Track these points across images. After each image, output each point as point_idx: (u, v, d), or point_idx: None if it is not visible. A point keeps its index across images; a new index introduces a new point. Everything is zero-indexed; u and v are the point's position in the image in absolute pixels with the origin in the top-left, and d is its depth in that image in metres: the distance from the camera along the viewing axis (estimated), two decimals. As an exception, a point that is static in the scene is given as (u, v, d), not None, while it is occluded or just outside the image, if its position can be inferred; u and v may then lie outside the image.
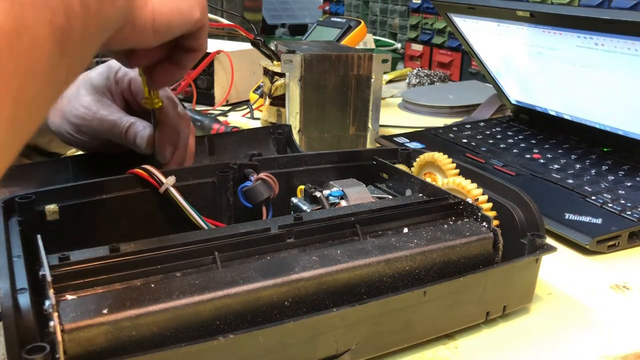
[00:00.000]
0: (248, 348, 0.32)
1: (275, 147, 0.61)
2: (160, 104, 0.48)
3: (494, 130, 0.87)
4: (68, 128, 0.51)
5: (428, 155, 0.51)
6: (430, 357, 0.38)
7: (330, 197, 0.46)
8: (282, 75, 0.75)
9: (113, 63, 0.53)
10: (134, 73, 0.52)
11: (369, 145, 0.76)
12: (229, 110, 1.01)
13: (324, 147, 0.73)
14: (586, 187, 0.63)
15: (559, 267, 0.51)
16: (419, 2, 1.43)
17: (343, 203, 0.46)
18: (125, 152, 0.51)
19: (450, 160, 0.50)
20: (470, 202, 0.44)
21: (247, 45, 0.86)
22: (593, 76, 0.72)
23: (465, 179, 0.47)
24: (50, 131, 0.53)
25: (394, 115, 1.05)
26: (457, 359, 0.38)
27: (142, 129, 0.50)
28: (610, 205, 0.59)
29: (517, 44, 0.81)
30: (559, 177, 0.67)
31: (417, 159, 0.52)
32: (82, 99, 0.51)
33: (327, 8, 1.87)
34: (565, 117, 0.81)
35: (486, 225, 0.42)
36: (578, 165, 0.70)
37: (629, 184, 0.64)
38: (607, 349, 0.40)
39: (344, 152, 0.53)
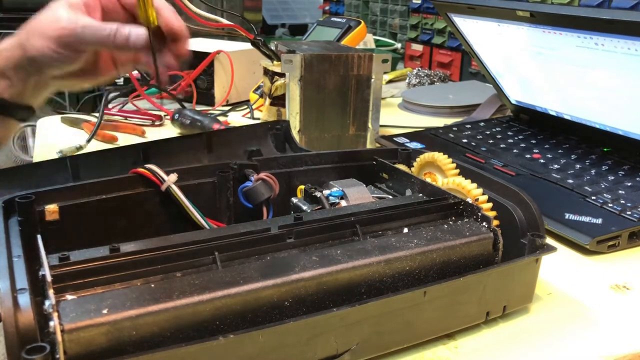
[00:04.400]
0: (248, 348, 0.32)
1: (274, 143, 0.61)
2: (156, 22, 0.47)
3: (494, 130, 0.87)
4: (51, 44, 0.50)
5: (428, 155, 0.51)
6: (430, 357, 0.38)
7: (330, 197, 0.46)
8: (282, 75, 0.75)
9: None
10: None
11: (369, 145, 0.76)
12: (229, 110, 1.02)
13: (324, 147, 0.73)
14: (586, 187, 0.63)
15: (559, 267, 0.51)
16: (419, 2, 1.43)
17: (343, 203, 0.46)
18: (125, 147, 0.51)
19: (450, 160, 0.50)
20: (470, 202, 0.44)
21: (247, 45, 0.86)
22: (593, 76, 0.72)
23: (465, 179, 0.47)
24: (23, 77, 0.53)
25: (394, 115, 1.05)
26: (457, 359, 0.38)
27: (133, 28, 0.49)
28: (610, 205, 0.59)
29: (517, 44, 0.81)
30: (559, 177, 0.67)
31: (417, 159, 0.52)
32: (60, 13, 0.50)
33: (327, 8, 1.87)
34: (565, 117, 0.81)
35: (486, 225, 0.42)
36: (578, 165, 0.70)
37: (629, 184, 0.64)
38: (607, 349, 0.40)
39: (344, 152, 0.53)
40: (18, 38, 0.53)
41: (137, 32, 0.49)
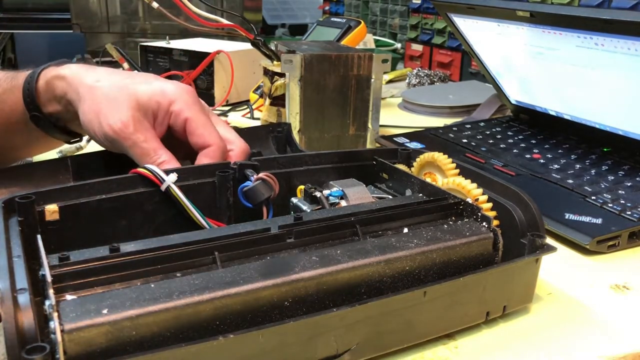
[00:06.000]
0: (248, 348, 0.32)
1: (275, 146, 0.61)
2: None
3: (494, 130, 0.87)
4: (98, 131, 0.49)
5: (428, 155, 0.51)
6: (430, 357, 0.38)
7: (330, 197, 0.46)
8: (282, 75, 0.75)
9: (169, 91, 0.51)
10: (191, 113, 0.50)
11: (369, 145, 0.76)
12: (229, 110, 1.02)
13: (324, 147, 0.73)
14: (586, 187, 0.63)
15: (559, 267, 0.51)
16: (419, 2, 1.43)
17: (343, 203, 0.46)
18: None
19: (450, 160, 0.50)
20: (470, 202, 0.44)
21: (247, 45, 0.86)
22: (593, 76, 0.72)
23: (465, 179, 0.47)
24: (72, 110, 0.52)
25: (394, 115, 1.05)
26: (457, 359, 0.38)
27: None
28: (610, 205, 0.59)
29: (517, 44, 0.81)
30: (559, 177, 0.67)
31: (417, 159, 0.52)
32: (122, 112, 0.48)
33: (327, 8, 1.87)
34: (565, 117, 0.81)
35: (486, 225, 0.42)
36: (578, 165, 0.70)
37: (629, 184, 0.64)
38: (607, 349, 0.40)
39: (344, 152, 0.53)
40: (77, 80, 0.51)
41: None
